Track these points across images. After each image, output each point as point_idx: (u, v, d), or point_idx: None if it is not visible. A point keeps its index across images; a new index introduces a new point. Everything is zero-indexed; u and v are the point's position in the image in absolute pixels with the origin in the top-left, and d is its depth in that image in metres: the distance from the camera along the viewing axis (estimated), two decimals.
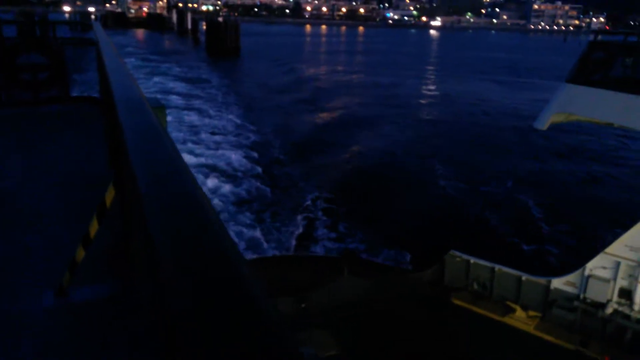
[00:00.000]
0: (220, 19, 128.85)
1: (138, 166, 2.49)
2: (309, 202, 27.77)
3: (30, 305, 4.92)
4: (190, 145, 37.85)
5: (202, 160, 34.41)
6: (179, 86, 64.45)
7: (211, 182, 30.23)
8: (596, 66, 18.34)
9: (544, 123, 18.39)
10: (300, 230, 24.63)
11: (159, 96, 51.89)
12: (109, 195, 4.61)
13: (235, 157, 35.51)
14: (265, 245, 22.86)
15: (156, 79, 68.76)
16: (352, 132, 44.84)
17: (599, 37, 18.41)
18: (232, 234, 22.86)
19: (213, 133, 42.14)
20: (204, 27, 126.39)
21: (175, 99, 54.89)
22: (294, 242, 23.29)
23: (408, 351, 15.76)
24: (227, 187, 29.65)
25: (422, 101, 64.83)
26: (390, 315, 17.07)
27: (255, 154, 36.43)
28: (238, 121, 46.88)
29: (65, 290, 5.04)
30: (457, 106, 60.57)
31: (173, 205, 1.98)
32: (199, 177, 29.54)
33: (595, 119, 18.00)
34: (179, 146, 35.48)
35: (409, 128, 48.27)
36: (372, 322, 16.73)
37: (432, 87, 77.11)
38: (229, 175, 31.82)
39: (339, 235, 23.82)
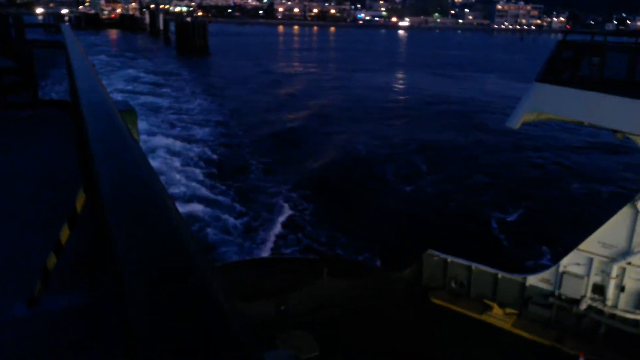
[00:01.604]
0: (189, 19, 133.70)
1: (103, 172, 2.40)
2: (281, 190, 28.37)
3: (0, 315, 4.61)
4: (162, 123, 44.42)
5: (173, 132, 41.05)
6: (151, 77, 70.56)
7: (180, 145, 36.90)
8: (565, 65, 18.23)
9: (515, 122, 18.20)
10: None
11: (131, 84, 64.40)
12: (80, 200, 4.37)
13: (201, 131, 42.24)
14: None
15: (130, 71, 74.69)
16: (316, 122, 48.14)
17: (567, 36, 18.21)
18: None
19: (181, 113, 49.12)
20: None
21: (147, 88, 62.04)
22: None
23: (388, 351, 15.49)
24: (194, 151, 36.13)
25: (382, 92, 69.67)
26: (370, 316, 16.76)
27: (218, 130, 43.11)
28: (203, 105, 54.25)
29: (37, 300, 4.71)
30: (409, 95, 67.88)
31: (137, 212, 1.91)
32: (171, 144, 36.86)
33: (565, 117, 17.88)
34: (154, 124, 39.85)
35: (365, 114, 52.78)
36: (352, 322, 16.40)
37: (386, 79, 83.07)
38: (195, 141, 38.57)
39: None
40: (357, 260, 21.25)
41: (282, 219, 25.34)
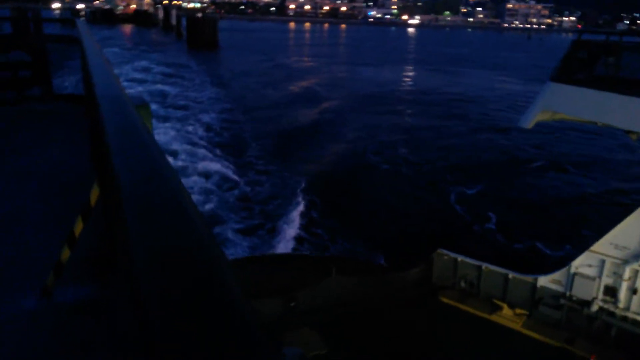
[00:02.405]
0: (199, 15, 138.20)
1: (119, 167, 2.36)
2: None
3: (13, 308, 4.63)
4: (174, 107, 48.98)
5: (183, 115, 45.73)
6: (161, 68, 75.00)
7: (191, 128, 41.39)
8: (580, 65, 17.86)
9: (529, 122, 17.84)
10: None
11: (145, 74, 69.04)
12: (94, 195, 4.39)
13: (208, 116, 46.32)
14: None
15: (142, 62, 79.18)
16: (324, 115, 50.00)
17: (582, 36, 17.81)
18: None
19: (189, 100, 53.50)
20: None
21: (159, 77, 66.47)
22: None
23: (396, 350, 15.29)
24: (198, 130, 40.94)
25: (380, 84, 72.19)
26: (378, 314, 16.55)
27: (223, 115, 47.34)
28: (212, 93, 58.83)
29: (50, 292, 4.75)
30: (405, 87, 72.60)
31: (154, 208, 1.86)
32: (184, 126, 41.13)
33: (579, 117, 17.51)
34: (162, 108, 44.77)
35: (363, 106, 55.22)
36: (360, 321, 16.20)
37: (386, 73, 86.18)
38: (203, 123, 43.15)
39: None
40: (366, 259, 21.01)
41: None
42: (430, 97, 62.67)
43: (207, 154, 34.19)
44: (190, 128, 41.22)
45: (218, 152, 35.01)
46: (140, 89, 56.44)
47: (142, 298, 1.28)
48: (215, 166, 31.81)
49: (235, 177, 30.15)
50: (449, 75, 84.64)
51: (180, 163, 31.16)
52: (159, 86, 59.77)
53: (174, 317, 1.18)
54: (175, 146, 35.06)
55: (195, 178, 29.35)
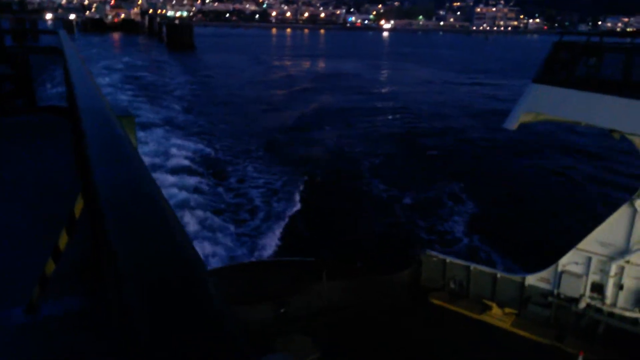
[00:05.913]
0: (177, 22, 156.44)
1: (101, 179, 2.32)
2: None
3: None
4: (156, 91, 59.56)
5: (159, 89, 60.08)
6: (145, 63, 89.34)
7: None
8: (561, 66, 17.29)
9: (513, 123, 17.24)
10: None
11: (128, 65, 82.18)
12: (78, 207, 4.22)
13: (183, 91, 61.36)
14: None
15: (127, 58, 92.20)
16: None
17: (563, 37, 17.21)
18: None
19: (162, 83, 67.00)
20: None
21: (142, 68, 79.41)
22: None
23: (388, 352, 14.55)
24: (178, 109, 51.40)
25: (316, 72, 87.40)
26: (369, 318, 15.79)
27: (191, 93, 60.44)
28: (185, 78, 73.16)
29: (36, 306, 4.58)
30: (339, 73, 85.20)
31: (135, 218, 1.83)
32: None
33: (562, 117, 16.97)
34: (142, 86, 66.75)
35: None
36: (351, 325, 15.44)
37: (330, 65, 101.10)
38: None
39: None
40: (355, 262, 20.18)
41: None
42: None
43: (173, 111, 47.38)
44: (163, 96, 55.03)
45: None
46: (119, 76, 67.26)
47: (128, 308, 1.24)
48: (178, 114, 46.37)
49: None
50: (381, 67, 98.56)
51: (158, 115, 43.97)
52: (140, 73, 73.94)
53: (159, 326, 1.14)
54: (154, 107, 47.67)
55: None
